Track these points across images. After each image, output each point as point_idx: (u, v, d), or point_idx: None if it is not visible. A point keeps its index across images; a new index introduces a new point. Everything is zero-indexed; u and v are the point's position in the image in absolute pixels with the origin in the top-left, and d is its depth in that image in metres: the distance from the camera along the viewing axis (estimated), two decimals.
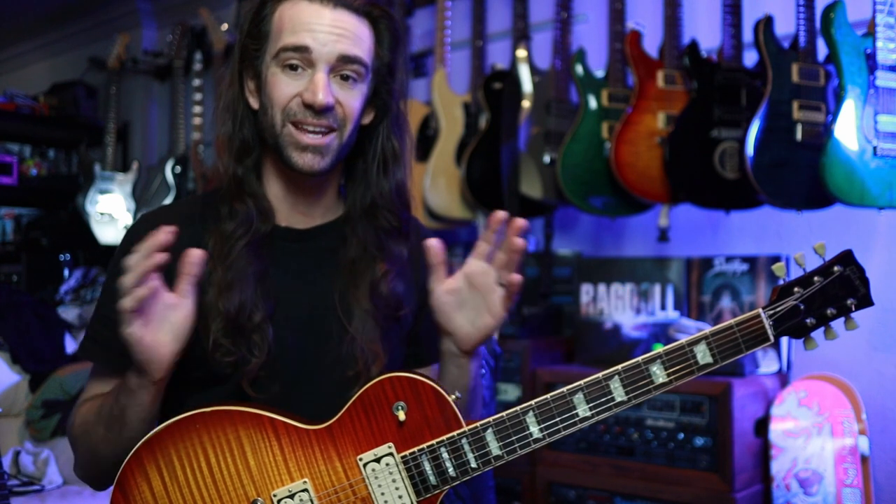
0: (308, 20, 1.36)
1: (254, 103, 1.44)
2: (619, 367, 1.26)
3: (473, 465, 1.26)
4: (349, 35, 1.37)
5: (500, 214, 1.30)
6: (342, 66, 1.37)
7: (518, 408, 1.26)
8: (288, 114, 1.36)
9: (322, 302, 1.43)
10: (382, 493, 1.27)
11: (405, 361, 1.53)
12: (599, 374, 1.26)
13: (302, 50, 1.35)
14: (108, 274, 1.47)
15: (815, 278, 1.27)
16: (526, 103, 3.05)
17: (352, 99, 1.39)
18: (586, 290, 2.92)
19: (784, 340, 2.62)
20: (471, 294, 1.32)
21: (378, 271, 1.43)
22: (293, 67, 1.36)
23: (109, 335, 1.41)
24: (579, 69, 2.90)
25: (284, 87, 1.37)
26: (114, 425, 1.31)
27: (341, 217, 1.51)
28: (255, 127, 1.44)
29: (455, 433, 1.26)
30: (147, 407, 1.29)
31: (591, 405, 1.26)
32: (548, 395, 1.26)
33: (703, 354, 1.25)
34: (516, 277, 1.29)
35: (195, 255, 1.24)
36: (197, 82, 4.34)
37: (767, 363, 2.60)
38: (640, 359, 1.26)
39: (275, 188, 1.46)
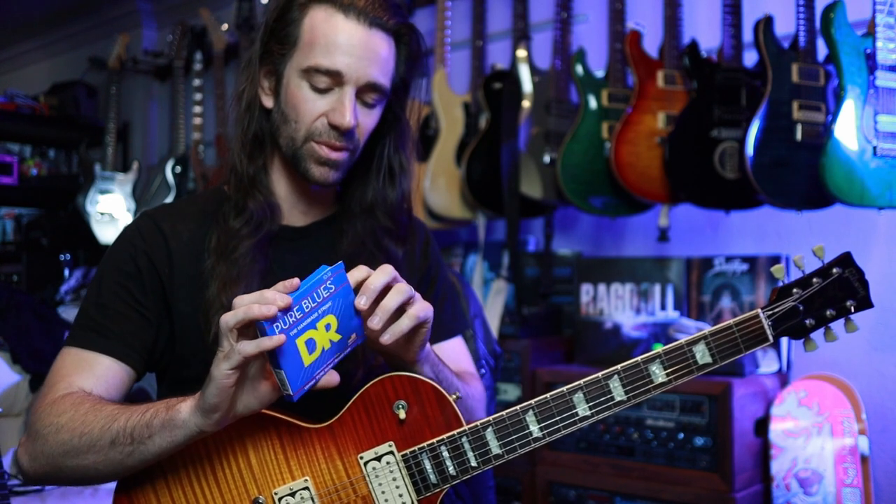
0: (343, 42, 1.35)
1: (266, 102, 1.44)
2: (619, 366, 1.26)
3: (473, 463, 1.27)
4: (378, 60, 1.37)
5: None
6: (368, 93, 1.39)
7: (518, 407, 1.27)
8: (312, 133, 1.38)
9: None
10: (383, 492, 1.27)
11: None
12: (599, 374, 1.26)
13: (334, 75, 1.35)
14: (105, 266, 1.44)
15: (814, 280, 1.26)
16: (526, 103, 3.05)
17: (369, 120, 1.42)
18: (586, 290, 2.92)
19: (784, 340, 2.62)
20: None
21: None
22: (322, 87, 1.37)
23: (108, 323, 1.39)
24: (579, 69, 2.90)
25: (311, 105, 1.37)
26: (125, 449, 1.23)
27: (337, 212, 1.53)
28: (267, 124, 1.45)
29: (455, 432, 1.27)
30: (176, 448, 1.23)
31: (590, 405, 1.26)
32: (547, 395, 1.27)
33: (702, 354, 1.25)
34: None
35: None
36: (197, 82, 4.35)
37: (767, 363, 2.60)
38: (639, 358, 1.26)
39: (280, 187, 1.48)
